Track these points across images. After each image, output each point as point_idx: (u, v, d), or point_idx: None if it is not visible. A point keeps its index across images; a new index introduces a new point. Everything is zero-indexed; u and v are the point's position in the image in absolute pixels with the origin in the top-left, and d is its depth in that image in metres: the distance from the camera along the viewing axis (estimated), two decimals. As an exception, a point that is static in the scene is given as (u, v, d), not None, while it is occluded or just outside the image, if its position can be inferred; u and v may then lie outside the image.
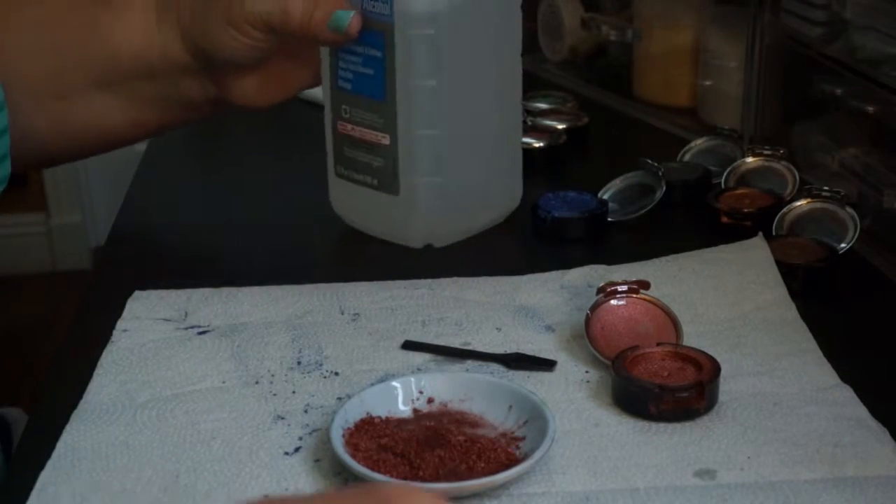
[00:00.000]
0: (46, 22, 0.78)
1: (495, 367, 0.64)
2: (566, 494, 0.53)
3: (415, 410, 0.58)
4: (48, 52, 0.77)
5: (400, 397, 0.59)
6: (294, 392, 0.61)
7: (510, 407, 0.58)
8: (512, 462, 0.54)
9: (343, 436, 0.55)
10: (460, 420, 0.58)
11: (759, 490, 0.53)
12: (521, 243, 0.83)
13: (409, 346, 0.66)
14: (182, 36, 0.76)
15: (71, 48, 0.77)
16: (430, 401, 0.59)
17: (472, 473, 0.53)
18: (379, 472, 0.53)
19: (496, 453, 0.55)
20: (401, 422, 0.57)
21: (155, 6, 0.77)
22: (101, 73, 0.78)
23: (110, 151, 0.84)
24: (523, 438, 0.56)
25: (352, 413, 0.56)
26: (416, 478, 0.53)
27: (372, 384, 0.60)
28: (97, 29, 0.77)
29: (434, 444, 0.55)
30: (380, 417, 0.57)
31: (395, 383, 0.59)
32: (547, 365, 0.63)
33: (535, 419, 0.57)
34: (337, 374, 0.63)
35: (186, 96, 0.79)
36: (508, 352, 0.65)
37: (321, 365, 0.64)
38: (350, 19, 0.74)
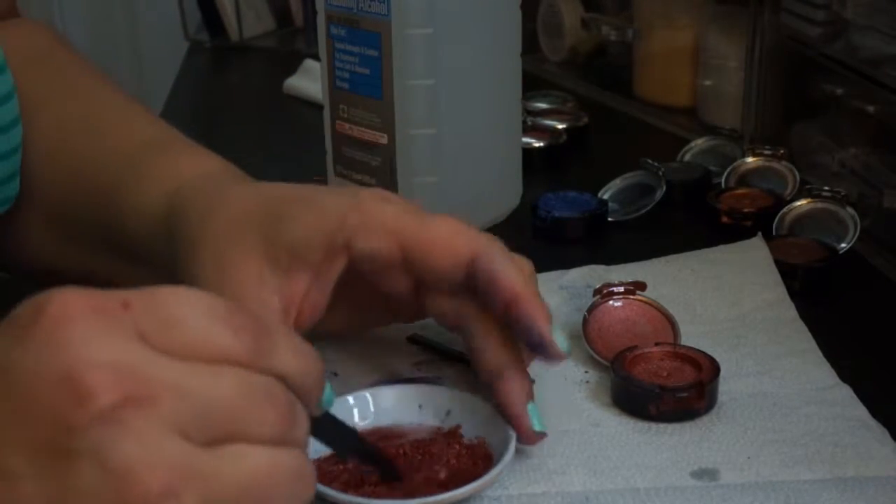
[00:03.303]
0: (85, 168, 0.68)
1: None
2: (566, 495, 0.53)
3: None
4: (76, 191, 0.68)
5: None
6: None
7: (420, 406, 0.57)
8: (473, 449, 0.54)
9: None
10: (386, 435, 0.56)
11: (759, 490, 0.52)
12: (521, 243, 0.82)
13: (414, 339, 0.66)
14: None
15: (95, 194, 0.67)
16: None
17: (457, 474, 0.53)
18: (379, 498, 0.51)
19: (450, 447, 0.54)
20: (332, 457, 0.54)
21: (168, 202, 0.62)
22: (108, 236, 0.67)
23: None
24: (459, 425, 0.56)
25: None
26: (416, 495, 0.51)
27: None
28: (116, 192, 0.65)
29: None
30: (318, 459, 0.53)
31: None
32: None
33: (457, 404, 0.57)
34: (336, 374, 0.63)
35: None
36: None
37: (320, 365, 0.64)
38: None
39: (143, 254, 0.64)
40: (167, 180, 0.63)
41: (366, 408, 0.57)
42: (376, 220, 0.55)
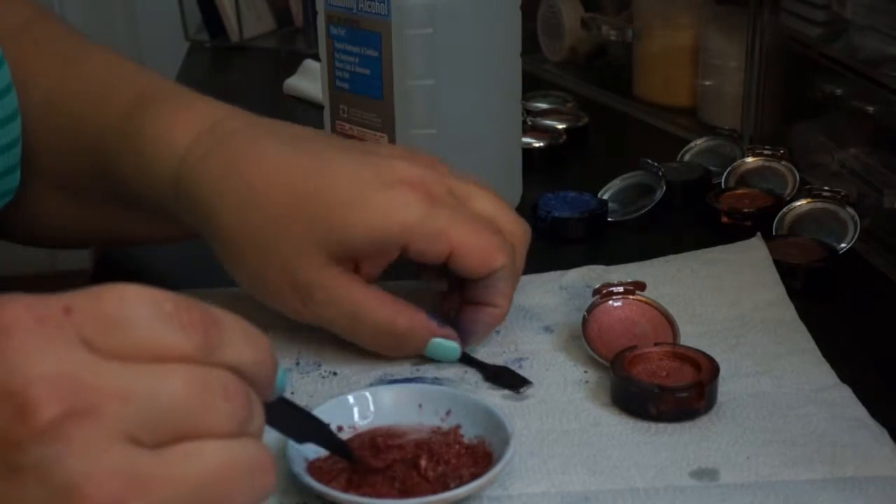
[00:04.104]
0: (86, 117, 0.68)
1: (476, 376, 0.63)
2: (566, 494, 0.53)
3: None
4: (78, 151, 0.69)
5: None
6: (293, 393, 0.61)
7: (420, 406, 0.57)
8: (472, 449, 0.54)
9: (309, 473, 0.52)
10: (384, 434, 0.56)
11: (758, 490, 0.52)
12: (521, 243, 0.83)
13: None
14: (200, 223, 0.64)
15: (98, 155, 0.67)
16: (339, 429, 0.56)
17: (458, 473, 0.53)
18: (377, 497, 0.51)
19: (450, 447, 0.54)
20: (332, 457, 0.54)
21: (178, 168, 0.63)
22: (118, 191, 0.68)
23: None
24: (459, 425, 0.56)
25: (296, 460, 0.53)
26: (416, 494, 0.51)
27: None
28: (114, 149, 0.66)
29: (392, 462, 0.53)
30: (318, 458, 0.54)
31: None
32: (518, 385, 0.62)
33: (457, 404, 0.57)
34: (335, 374, 0.63)
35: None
36: (507, 354, 0.65)
37: (320, 365, 0.64)
38: (456, 355, 0.64)
39: (152, 207, 0.66)
40: (167, 139, 0.64)
41: (366, 407, 0.57)
42: (433, 229, 0.61)
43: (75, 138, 0.68)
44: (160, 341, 0.39)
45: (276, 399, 0.46)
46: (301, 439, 0.52)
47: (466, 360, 0.64)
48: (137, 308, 0.40)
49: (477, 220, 0.63)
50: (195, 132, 0.64)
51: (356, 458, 0.52)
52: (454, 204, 0.63)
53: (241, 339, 0.42)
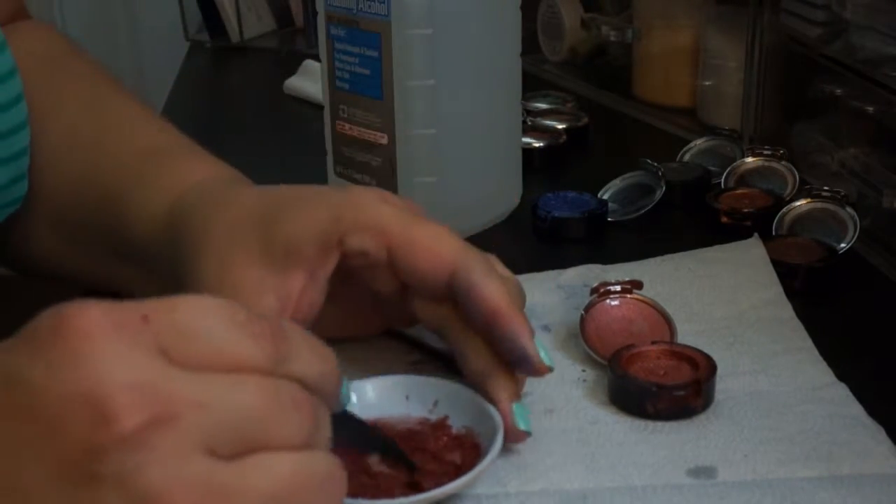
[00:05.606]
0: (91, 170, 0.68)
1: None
2: (563, 493, 0.53)
3: None
4: (86, 197, 0.68)
5: None
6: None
7: (407, 397, 0.57)
8: (461, 440, 0.54)
9: None
10: (374, 426, 0.56)
11: (756, 488, 0.53)
12: (521, 243, 0.83)
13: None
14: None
15: (105, 192, 0.67)
16: None
17: (451, 465, 0.53)
18: (381, 497, 0.50)
19: (438, 438, 0.54)
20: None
21: (169, 212, 0.61)
22: (116, 244, 0.66)
23: None
24: (447, 416, 0.56)
25: None
26: (415, 490, 0.51)
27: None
28: (119, 199, 0.65)
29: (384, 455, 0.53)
30: None
31: None
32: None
33: (444, 394, 0.57)
34: (334, 372, 0.63)
35: None
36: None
37: (318, 364, 0.64)
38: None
39: (144, 258, 0.64)
40: (168, 188, 0.63)
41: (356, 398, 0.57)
42: (368, 218, 0.56)
43: (86, 177, 0.67)
44: (233, 351, 0.40)
45: (338, 411, 0.46)
46: (366, 449, 0.52)
47: (427, 350, 0.64)
48: (212, 318, 0.40)
49: (427, 221, 0.56)
50: (194, 181, 0.63)
51: (416, 464, 0.52)
52: (407, 208, 0.57)
53: (308, 352, 0.43)
